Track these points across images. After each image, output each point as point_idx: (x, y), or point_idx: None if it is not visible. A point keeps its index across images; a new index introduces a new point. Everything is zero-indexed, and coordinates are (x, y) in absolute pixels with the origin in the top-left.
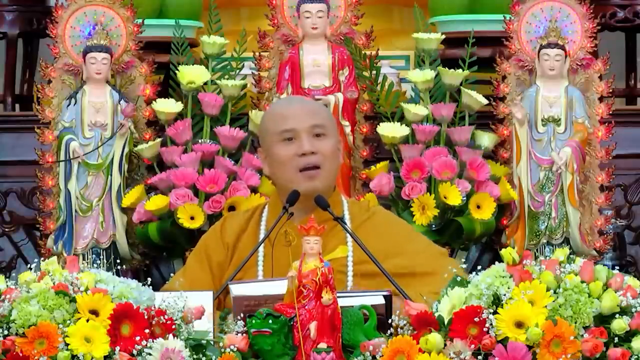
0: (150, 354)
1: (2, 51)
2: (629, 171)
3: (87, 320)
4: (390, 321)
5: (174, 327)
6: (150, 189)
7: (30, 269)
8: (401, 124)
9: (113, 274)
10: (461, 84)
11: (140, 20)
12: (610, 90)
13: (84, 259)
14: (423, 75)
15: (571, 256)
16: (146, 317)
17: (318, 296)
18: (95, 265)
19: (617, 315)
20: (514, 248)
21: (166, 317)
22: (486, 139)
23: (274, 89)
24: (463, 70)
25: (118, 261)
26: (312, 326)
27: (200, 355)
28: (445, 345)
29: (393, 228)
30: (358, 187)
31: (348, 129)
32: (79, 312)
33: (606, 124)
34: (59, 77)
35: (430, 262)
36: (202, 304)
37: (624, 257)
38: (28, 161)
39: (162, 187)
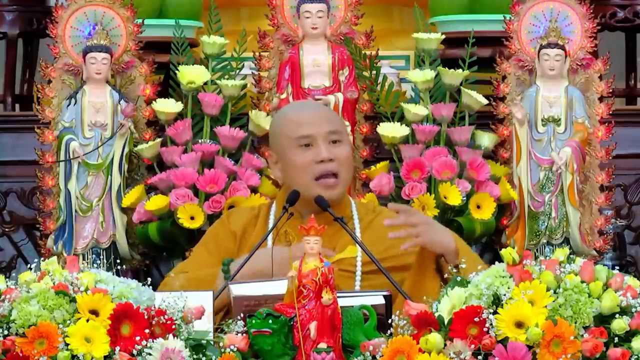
0: (150, 354)
1: (2, 51)
2: (629, 171)
3: (87, 320)
4: (390, 321)
5: (174, 327)
6: (150, 189)
7: (30, 269)
8: (401, 124)
9: (113, 274)
10: (461, 84)
11: (140, 20)
12: (610, 90)
13: (84, 259)
14: (423, 75)
15: (571, 256)
16: (146, 317)
17: (318, 296)
18: (95, 265)
19: (617, 315)
20: (514, 248)
21: (166, 317)
22: (486, 139)
23: (274, 89)
24: (463, 70)
25: (118, 261)
26: (312, 326)
27: (200, 355)
28: (445, 345)
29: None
30: (358, 187)
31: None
32: (79, 312)
33: (606, 124)
34: (59, 77)
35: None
36: (202, 304)
37: (624, 257)
38: (28, 161)
39: (162, 187)
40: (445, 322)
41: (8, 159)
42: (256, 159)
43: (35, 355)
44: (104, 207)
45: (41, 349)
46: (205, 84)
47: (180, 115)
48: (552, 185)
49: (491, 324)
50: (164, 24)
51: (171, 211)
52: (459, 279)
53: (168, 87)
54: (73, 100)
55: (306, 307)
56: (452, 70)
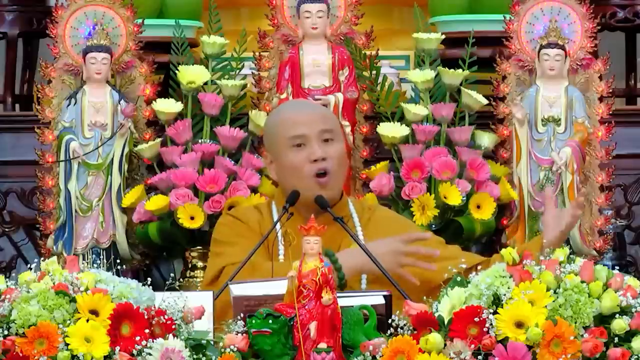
0: (150, 354)
1: (2, 51)
2: (629, 171)
3: (87, 320)
4: (390, 321)
5: (174, 327)
6: (150, 189)
7: (30, 269)
8: (401, 124)
9: (113, 274)
10: (461, 84)
11: (140, 20)
12: (610, 90)
13: (84, 259)
14: (423, 75)
15: (571, 256)
16: (146, 317)
17: (318, 296)
18: (95, 265)
19: (617, 315)
20: (514, 248)
21: (166, 317)
22: (486, 139)
23: (274, 89)
24: (463, 70)
25: (118, 261)
26: (312, 326)
27: (200, 355)
28: (445, 345)
29: (394, 221)
30: (358, 187)
31: (348, 129)
32: (79, 312)
33: (606, 124)
34: (59, 77)
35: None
36: (202, 304)
37: (624, 257)
38: (28, 161)
39: (162, 187)
40: (445, 322)
41: (8, 159)
42: (256, 159)
43: (35, 355)
44: (104, 207)
45: (41, 349)
46: (205, 84)
47: (180, 115)
48: (552, 185)
49: (491, 324)
50: (164, 24)
51: (171, 211)
52: (459, 279)
53: (168, 87)
54: (73, 100)
55: (306, 307)
56: (452, 70)
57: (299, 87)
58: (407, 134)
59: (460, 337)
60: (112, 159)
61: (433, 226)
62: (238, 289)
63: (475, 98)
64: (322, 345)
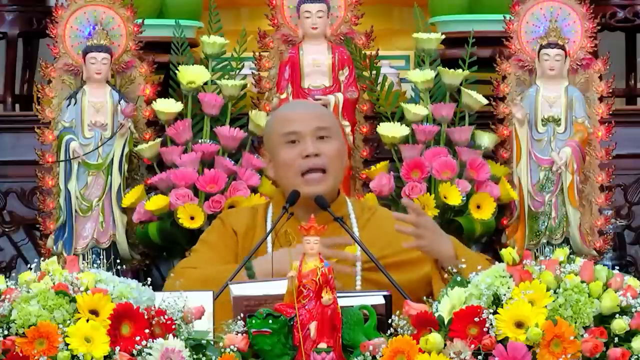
0: (150, 354)
1: (2, 51)
2: (629, 171)
3: (87, 320)
4: (390, 321)
5: (174, 327)
6: (150, 189)
7: (30, 269)
8: (401, 124)
9: (113, 274)
10: (461, 84)
11: (140, 20)
12: (610, 90)
13: (84, 259)
14: (423, 75)
15: (571, 256)
16: (146, 317)
17: (318, 296)
18: (95, 265)
19: (617, 315)
20: (514, 248)
21: (166, 317)
22: (486, 139)
23: (274, 89)
24: (463, 70)
25: (118, 261)
26: (312, 326)
27: (200, 355)
28: (445, 345)
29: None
30: (358, 187)
31: (348, 129)
32: (79, 312)
33: (606, 124)
34: (59, 77)
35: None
36: (202, 304)
37: (624, 257)
38: (28, 161)
39: (162, 187)
40: (445, 322)
41: (8, 159)
42: (256, 159)
43: (35, 355)
44: (104, 207)
45: (41, 349)
46: (205, 84)
47: (180, 115)
48: (552, 185)
49: (491, 324)
50: (164, 24)
51: (171, 211)
52: (459, 279)
53: (168, 87)
54: (73, 100)
55: (306, 307)
56: (452, 70)
57: (299, 87)
58: (407, 134)
59: (460, 337)
60: (112, 159)
61: None
62: (238, 289)
63: (475, 98)
64: (322, 345)
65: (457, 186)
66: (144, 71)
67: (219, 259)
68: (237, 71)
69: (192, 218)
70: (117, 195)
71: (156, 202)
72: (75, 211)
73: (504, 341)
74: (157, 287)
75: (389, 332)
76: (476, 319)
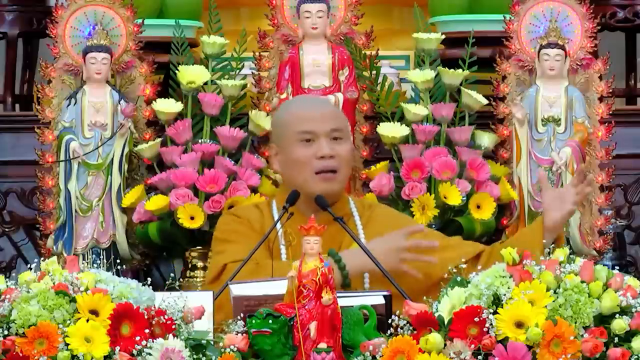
0: (150, 354)
1: (2, 51)
2: (629, 171)
3: (87, 320)
4: (390, 321)
5: (174, 327)
6: (150, 189)
7: (30, 269)
8: (401, 124)
9: (113, 274)
10: (461, 84)
11: (140, 20)
12: (610, 90)
13: (84, 259)
14: (423, 75)
15: (571, 256)
16: (146, 317)
17: (318, 296)
18: (95, 265)
19: (617, 315)
20: (514, 248)
21: (166, 317)
22: (486, 139)
23: (274, 89)
24: (463, 70)
25: (118, 261)
26: (312, 326)
27: (200, 355)
28: (445, 345)
29: (393, 217)
30: (358, 187)
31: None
32: (79, 312)
33: (606, 124)
34: (59, 77)
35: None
36: (202, 304)
37: (624, 257)
38: (28, 161)
39: (162, 187)
40: (445, 322)
41: (8, 159)
42: (256, 159)
43: (35, 355)
44: (104, 207)
45: (41, 349)
46: (205, 84)
47: (180, 115)
48: (552, 185)
49: (491, 324)
50: (164, 24)
51: (171, 211)
52: (459, 279)
53: (168, 87)
54: (73, 100)
55: (306, 307)
56: (452, 70)
57: (299, 87)
58: (407, 134)
59: (460, 337)
60: (112, 159)
61: (433, 226)
62: (238, 289)
63: (475, 98)
64: (322, 345)
65: (457, 186)
66: (144, 71)
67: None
68: (237, 71)
69: (192, 218)
70: (117, 195)
71: (156, 202)
72: (75, 211)
73: (504, 341)
74: (157, 287)
75: (389, 332)
76: (476, 319)
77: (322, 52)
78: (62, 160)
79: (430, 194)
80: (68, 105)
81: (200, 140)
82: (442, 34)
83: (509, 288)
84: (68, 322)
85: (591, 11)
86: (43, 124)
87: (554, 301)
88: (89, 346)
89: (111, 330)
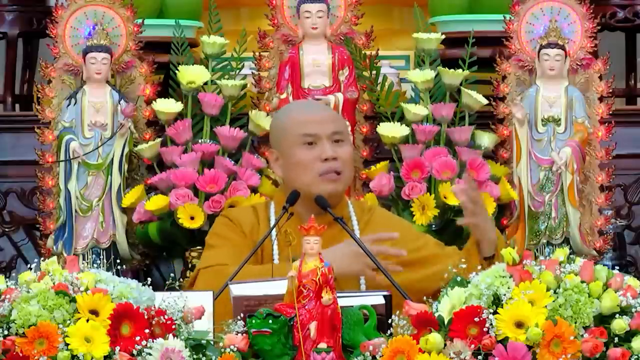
0: (150, 354)
1: (2, 51)
2: (629, 171)
3: (87, 320)
4: (390, 321)
5: (174, 327)
6: (150, 189)
7: (30, 269)
8: (401, 124)
9: (113, 274)
10: (461, 84)
11: (140, 20)
12: (610, 90)
13: (84, 259)
14: (423, 75)
15: (571, 256)
16: (146, 317)
17: (318, 296)
18: (95, 265)
19: (617, 315)
20: (514, 248)
21: (166, 317)
22: (486, 139)
23: (274, 89)
24: (463, 70)
25: (118, 261)
26: (312, 326)
27: (200, 355)
28: (445, 345)
29: (393, 221)
30: (358, 187)
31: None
32: (79, 312)
33: (606, 124)
34: (59, 77)
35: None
36: (202, 304)
37: (624, 257)
38: (28, 161)
39: (162, 187)
40: (445, 322)
41: (8, 159)
42: (256, 159)
43: (35, 355)
44: (104, 207)
45: (41, 349)
46: (205, 84)
47: (180, 115)
48: (552, 185)
49: (491, 324)
50: (164, 24)
51: (171, 211)
52: (459, 279)
53: (168, 87)
54: (73, 100)
55: (306, 307)
56: (452, 70)
57: (299, 87)
58: (407, 134)
59: (460, 337)
60: (112, 159)
61: (433, 226)
62: (238, 289)
63: (475, 98)
64: (322, 345)
65: None
66: (144, 71)
67: (241, 253)
68: (237, 71)
69: (192, 218)
70: (117, 195)
71: (156, 202)
72: (75, 211)
73: (504, 341)
74: (157, 287)
75: (389, 332)
76: (476, 319)
77: (322, 52)
78: (62, 160)
79: (430, 194)
80: (68, 105)
81: (200, 140)
82: (442, 34)
83: (509, 288)
84: (68, 322)
85: (591, 11)
86: (43, 124)
87: (554, 301)
88: (89, 346)
89: (111, 330)
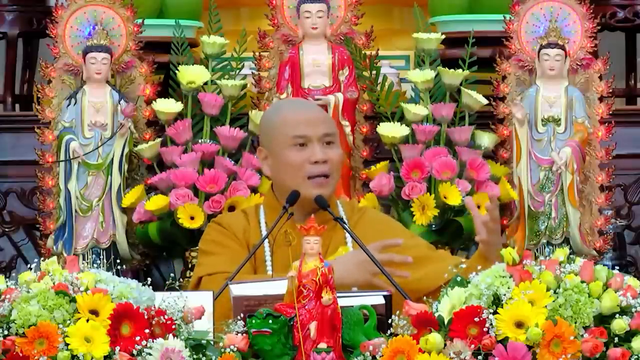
0: (150, 354)
1: (2, 51)
2: (629, 171)
3: (87, 320)
4: (390, 321)
5: (174, 327)
6: (150, 189)
7: (30, 269)
8: (401, 124)
9: (113, 274)
10: (461, 84)
11: (140, 20)
12: (610, 90)
13: (84, 259)
14: (423, 75)
15: (571, 256)
16: (146, 317)
17: (318, 296)
18: (95, 265)
19: (617, 315)
20: (514, 248)
21: (166, 317)
22: (486, 139)
23: (274, 89)
24: (463, 70)
25: (118, 261)
26: (312, 326)
27: (200, 355)
28: (445, 345)
29: (384, 222)
30: (358, 187)
31: (348, 129)
32: (79, 312)
33: (606, 124)
34: (59, 77)
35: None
36: (202, 304)
37: (624, 257)
38: (28, 161)
39: (162, 187)
40: (445, 322)
41: (8, 159)
42: (256, 159)
43: (35, 355)
44: (104, 207)
45: (41, 349)
46: (205, 84)
47: (180, 115)
48: (552, 185)
49: (491, 324)
50: (164, 24)
51: (171, 211)
52: (459, 279)
53: (168, 87)
54: (73, 100)
55: (306, 307)
56: (452, 70)
57: (299, 87)
58: (407, 134)
59: (460, 337)
60: (112, 159)
61: (433, 226)
62: (238, 289)
63: (475, 98)
64: (322, 345)
65: (457, 186)
66: (144, 71)
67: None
68: (237, 71)
69: (192, 218)
70: (117, 195)
71: (156, 202)
72: (75, 211)
73: (504, 341)
74: (157, 287)
75: (389, 332)
76: (476, 319)
77: (322, 52)
78: (62, 160)
79: (430, 194)
80: (68, 105)
81: (200, 140)
82: (442, 34)
83: (509, 288)
84: (68, 322)
85: (591, 11)
86: (43, 124)
87: (554, 301)
88: (89, 346)
89: (111, 330)
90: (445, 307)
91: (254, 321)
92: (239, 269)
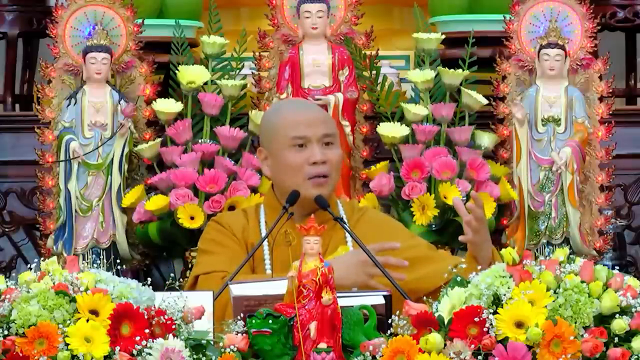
0: (150, 354)
1: (2, 51)
2: (629, 171)
3: (87, 320)
4: (390, 321)
5: (174, 327)
6: (150, 189)
7: (30, 269)
8: (401, 124)
9: (113, 274)
10: (461, 84)
11: (140, 20)
12: (610, 90)
13: (84, 259)
14: (423, 75)
15: (571, 256)
16: (146, 317)
17: (318, 296)
18: (95, 265)
19: (617, 315)
20: (514, 248)
21: (166, 317)
22: (486, 139)
23: (274, 89)
24: (463, 70)
25: (118, 261)
26: (312, 326)
27: (200, 355)
28: (445, 345)
29: (384, 222)
30: (358, 187)
31: (348, 129)
32: (79, 312)
33: (606, 124)
34: (59, 77)
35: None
36: (202, 304)
37: (624, 257)
38: (28, 161)
39: (162, 187)
40: (445, 322)
41: (8, 159)
42: (256, 159)
43: (35, 355)
44: (104, 207)
45: (41, 349)
46: (205, 84)
47: (180, 115)
48: (552, 185)
49: (491, 324)
50: (164, 24)
51: (171, 211)
52: (458, 279)
53: (168, 87)
54: (73, 100)
55: (306, 307)
56: (452, 70)
57: (299, 87)
58: (407, 134)
59: (460, 337)
60: (112, 159)
61: (433, 226)
62: (238, 289)
63: (475, 98)
64: (322, 345)
65: (457, 186)
66: (144, 71)
67: (237, 260)
68: (237, 71)
69: (192, 218)
70: (117, 195)
71: (156, 202)
72: (75, 211)
73: (504, 341)
74: (157, 287)
75: (389, 332)
76: (476, 319)
77: (322, 52)
78: (62, 160)
79: (430, 194)
80: (68, 105)
81: (200, 140)
82: (442, 34)
83: (509, 288)
84: (68, 322)
85: (591, 11)
86: (43, 124)
87: (554, 301)
88: (89, 346)
89: (111, 330)
90: (445, 307)
91: (254, 321)
92: (238, 269)
